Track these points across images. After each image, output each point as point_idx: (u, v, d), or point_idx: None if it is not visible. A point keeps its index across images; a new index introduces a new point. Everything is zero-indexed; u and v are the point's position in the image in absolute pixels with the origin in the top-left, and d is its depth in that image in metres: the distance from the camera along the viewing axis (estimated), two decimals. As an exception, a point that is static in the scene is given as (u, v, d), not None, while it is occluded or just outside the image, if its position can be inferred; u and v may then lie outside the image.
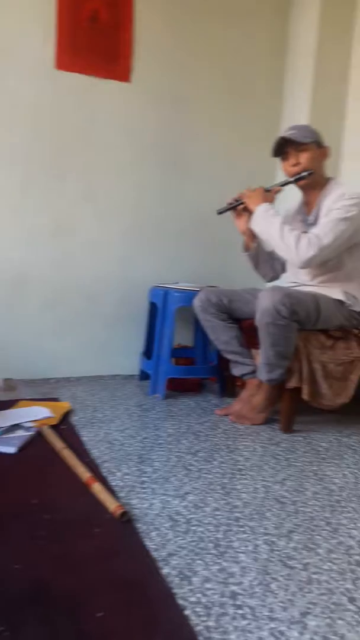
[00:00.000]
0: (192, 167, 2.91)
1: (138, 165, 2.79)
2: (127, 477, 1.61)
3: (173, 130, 2.84)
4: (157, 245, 2.89)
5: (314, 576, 1.16)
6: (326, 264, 2.15)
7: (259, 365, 2.17)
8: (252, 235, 2.36)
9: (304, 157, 2.16)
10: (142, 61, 2.72)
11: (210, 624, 0.98)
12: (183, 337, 2.93)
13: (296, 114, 2.95)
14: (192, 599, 1.05)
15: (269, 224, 2.12)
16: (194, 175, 2.92)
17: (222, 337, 2.34)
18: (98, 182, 2.72)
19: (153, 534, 1.30)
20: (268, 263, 2.45)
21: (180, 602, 1.04)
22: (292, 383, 2.09)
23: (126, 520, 1.34)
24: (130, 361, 2.86)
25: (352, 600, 1.09)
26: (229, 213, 2.34)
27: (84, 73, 2.60)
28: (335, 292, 2.17)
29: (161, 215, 2.87)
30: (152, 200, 2.84)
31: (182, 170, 2.89)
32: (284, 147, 2.19)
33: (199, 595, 1.07)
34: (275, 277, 2.50)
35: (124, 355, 2.86)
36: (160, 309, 2.54)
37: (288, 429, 2.16)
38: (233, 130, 2.97)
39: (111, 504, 1.37)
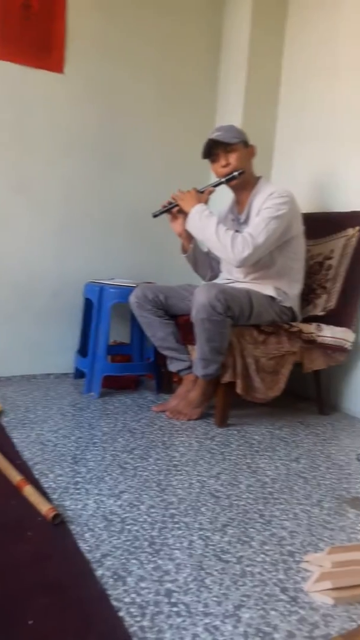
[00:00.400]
0: (127, 161, 2.88)
1: (71, 158, 2.73)
2: (60, 478, 1.58)
3: (107, 123, 2.80)
4: (91, 240, 2.84)
5: (248, 569, 1.18)
6: (258, 261, 2.18)
7: (195, 361, 2.18)
8: (189, 237, 2.36)
9: (233, 158, 2.19)
10: (76, 53, 2.66)
11: (145, 623, 0.97)
12: (119, 334, 2.90)
13: (230, 112, 2.98)
14: (127, 600, 1.04)
15: (204, 225, 2.13)
16: (129, 170, 2.89)
17: (159, 333, 2.33)
18: (29, 175, 2.64)
19: (87, 535, 1.28)
20: (206, 263, 2.47)
21: (115, 603, 1.03)
22: (227, 378, 2.12)
23: (59, 522, 1.31)
24: (64, 359, 2.80)
25: (284, 590, 1.11)
26: (164, 215, 2.33)
27: (15, 62, 2.52)
28: (267, 289, 2.22)
29: (95, 210, 2.83)
30: (86, 195, 2.79)
31: (117, 164, 2.85)
32: (212, 149, 2.21)
33: (133, 595, 1.06)
34: (214, 277, 2.52)
35: (58, 353, 2.79)
36: (95, 306, 2.50)
37: (223, 423, 2.18)
38: (168, 125, 2.97)
39: (43, 507, 1.34)
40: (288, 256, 2.25)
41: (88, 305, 2.64)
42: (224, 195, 2.41)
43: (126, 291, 2.42)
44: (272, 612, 1.03)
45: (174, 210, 2.30)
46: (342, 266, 2.43)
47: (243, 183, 2.24)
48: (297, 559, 1.23)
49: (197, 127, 2.96)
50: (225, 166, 2.20)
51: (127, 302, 2.37)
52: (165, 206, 2.29)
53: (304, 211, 2.34)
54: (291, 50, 2.94)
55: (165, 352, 2.37)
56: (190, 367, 2.30)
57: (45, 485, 1.52)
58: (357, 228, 2.42)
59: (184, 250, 2.44)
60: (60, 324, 2.79)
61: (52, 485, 1.53)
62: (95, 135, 2.77)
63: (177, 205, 2.26)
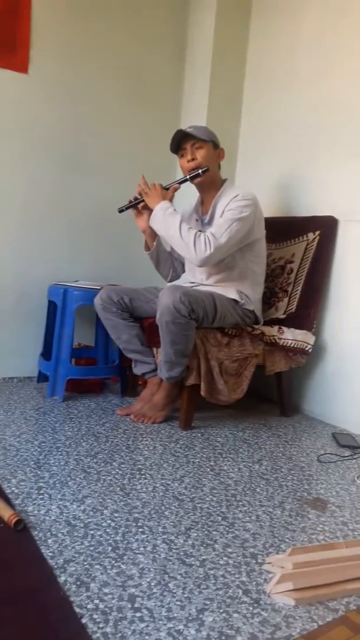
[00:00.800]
0: (90, 163, 2.87)
1: (34, 159, 2.70)
2: (22, 483, 1.56)
3: (71, 125, 2.78)
4: (55, 242, 2.82)
5: (211, 572, 1.19)
6: (220, 263, 2.21)
7: (160, 364, 2.19)
8: (153, 234, 2.37)
9: (200, 154, 2.20)
10: (41, 53, 2.64)
11: (108, 630, 0.97)
12: (84, 337, 2.88)
13: (194, 115, 3.00)
14: (90, 606, 1.04)
15: (168, 222, 2.14)
16: (93, 171, 2.88)
17: (123, 335, 2.33)
18: (-9, 176, 2.61)
19: (50, 540, 1.27)
20: (168, 262, 2.48)
21: (78, 610, 1.02)
22: (191, 380, 2.13)
23: (21, 528, 1.30)
24: (27, 362, 2.76)
25: (246, 592, 1.12)
26: (130, 212, 2.33)
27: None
28: (230, 292, 2.24)
29: (59, 212, 2.81)
30: (49, 197, 2.77)
31: (80, 166, 2.84)
32: (181, 143, 2.22)
33: (97, 601, 1.05)
34: (176, 277, 2.53)
35: (21, 357, 2.76)
36: (59, 308, 2.48)
37: (187, 426, 2.19)
38: (132, 128, 2.97)
39: (6, 513, 1.32)
40: (250, 259, 2.28)
41: (52, 307, 2.61)
42: (190, 195, 2.42)
43: (91, 293, 2.41)
44: (235, 615, 1.05)
45: (139, 206, 2.30)
46: (303, 270, 2.48)
47: (208, 183, 2.26)
48: (260, 561, 1.25)
49: (161, 130, 2.97)
50: (191, 160, 2.22)
51: (91, 305, 2.36)
52: (131, 201, 2.29)
53: (267, 216, 2.38)
54: (254, 58, 2.99)
55: (130, 355, 2.36)
56: (155, 370, 2.31)
57: (8, 491, 1.50)
58: (318, 233, 2.47)
59: (147, 248, 2.44)
60: (23, 327, 2.76)
61: (15, 490, 1.51)
62: (59, 136, 2.75)
63: (142, 200, 2.26)
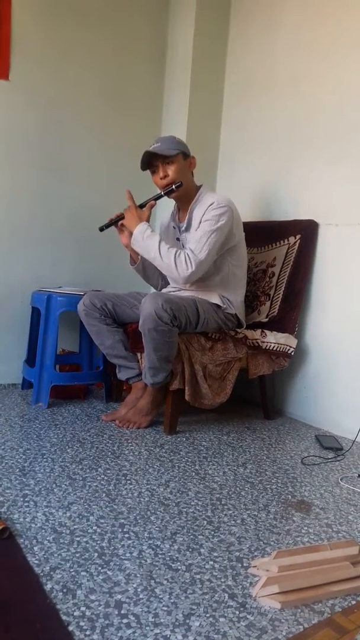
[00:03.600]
0: (72, 169, 2.87)
1: (14, 165, 2.70)
2: (7, 491, 1.55)
3: (52, 131, 2.78)
4: (38, 248, 2.81)
5: (197, 576, 1.20)
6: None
7: (144, 369, 2.19)
8: None
9: (171, 170, 2.20)
10: (21, 59, 2.64)
11: (95, 637, 0.98)
12: (68, 343, 2.88)
13: (175, 121, 3.02)
14: (77, 613, 1.04)
15: (148, 245, 2.15)
16: (74, 177, 2.88)
17: (107, 341, 2.33)
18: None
19: (36, 548, 1.26)
20: (156, 273, 2.48)
21: (64, 617, 1.02)
22: (175, 385, 2.14)
23: (7, 536, 1.29)
24: (11, 369, 2.75)
25: (233, 596, 1.13)
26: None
27: None
28: (212, 297, 2.26)
29: (41, 218, 2.80)
30: (31, 202, 2.76)
31: (62, 172, 2.84)
32: (152, 160, 2.23)
33: (83, 608, 1.06)
34: (166, 286, 2.54)
35: (4, 363, 2.75)
36: (43, 314, 2.47)
37: (172, 430, 2.20)
38: (113, 134, 2.98)
39: (-9, 522, 1.32)
40: (231, 263, 2.29)
41: (35, 314, 2.60)
42: (168, 202, 2.43)
43: (74, 299, 2.40)
44: (221, 619, 1.06)
45: (119, 224, 2.30)
46: (284, 274, 2.50)
47: (183, 194, 2.27)
48: (246, 564, 1.26)
49: (142, 136, 2.99)
50: (163, 177, 2.22)
51: (75, 311, 2.36)
52: (111, 219, 2.29)
53: (248, 220, 2.40)
54: (233, 64, 3.02)
55: (114, 360, 2.37)
56: (139, 375, 2.31)
57: (-8, 500, 1.49)
58: (298, 236, 2.50)
59: (133, 262, 2.45)
60: (6, 333, 2.75)
61: (0, 498, 1.50)
62: (40, 142, 2.75)
63: (122, 218, 2.26)
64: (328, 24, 2.46)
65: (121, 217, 2.25)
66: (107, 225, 2.29)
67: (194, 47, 2.91)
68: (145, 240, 2.15)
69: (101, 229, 2.29)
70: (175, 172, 2.21)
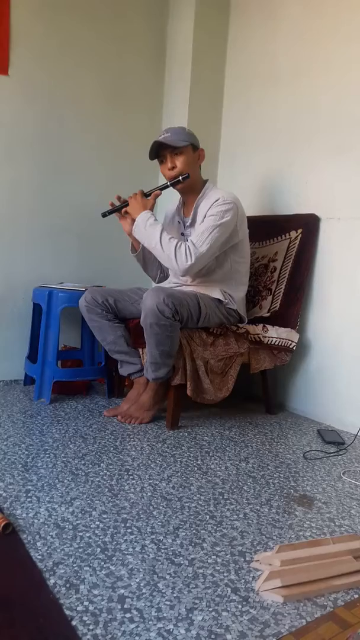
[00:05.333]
0: (72, 164, 2.86)
1: (15, 160, 2.69)
2: (10, 486, 1.56)
3: (52, 126, 2.77)
4: (39, 244, 2.81)
5: (200, 571, 1.20)
6: (204, 267, 2.21)
7: (145, 365, 2.19)
8: None
9: (179, 161, 2.20)
10: (21, 54, 2.63)
11: (98, 631, 0.98)
12: (70, 339, 2.88)
13: (176, 116, 3.01)
14: (80, 608, 1.04)
15: (149, 234, 2.14)
16: (75, 172, 2.87)
17: (109, 337, 2.33)
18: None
19: (39, 543, 1.27)
20: (155, 264, 2.48)
21: (67, 612, 1.03)
22: (177, 380, 2.14)
23: (10, 532, 1.30)
24: (13, 365, 2.76)
25: (235, 590, 1.14)
26: (114, 216, 2.33)
27: None
28: (214, 292, 2.25)
29: (42, 214, 2.80)
30: (32, 198, 2.76)
31: (62, 167, 2.83)
32: (160, 151, 2.22)
33: (86, 603, 1.06)
34: (164, 278, 2.54)
35: (7, 360, 2.75)
36: (44, 310, 2.47)
37: (174, 425, 2.20)
38: (114, 129, 2.97)
39: (-6, 518, 1.32)
40: (234, 259, 2.29)
41: (37, 310, 2.60)
42: (173, 195, 2.42)
43: (76, 295, 2.40)
44: (224, 613, 1.06)
45: (122, 210, 2.29)
46: (286, 268, 2.50)
47: (189, 186, 2.27)
48: (248, 558, 1.27)
49: (143, 131, 2.98)
50: (171, 169, 2.22)
51: (76, 306, 2.36)
52: (113, 204, 2.28)
53: (249, 214, 2.40)
54: (233, 58, 3.00)
55: (116, 356, 2.37)
56: (141, 370, 2.31)
57: (-5, 496, 1.50)
58: (300, 231, 2.49)
59: (134, 250, 2.44)
60: (8, 330, 2.75)
61: (3, 494, 1.51)
62: (40, 138, 2.74)
63: (126, 205, 2.26)
64: (329, 16, 2.44)
65: (125, 204, 2.25)
66: (111, 212, 2.28)
67: (194, 41, 2.89)
68: (148, 228, 2.15)
69: (104, 215, 2.29)
70: (183, 163, 2.20)
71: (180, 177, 2.20)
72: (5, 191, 2.68)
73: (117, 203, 2.30)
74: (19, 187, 2.72)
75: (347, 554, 1.26)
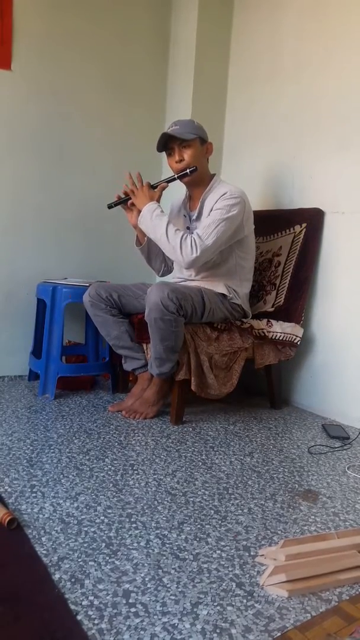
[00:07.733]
0: (76, 159, 2.86)
1: (18, 156, 2.68)
2: (15, 482, 1.56)
3: (56, 121, 2.76)
4: (43, 240, 2.81)
5: (204, 565, 1.20)
6: (209, 261, 2.21)
7: (150, 360, 2.19)
8: None
9: (187, 154, 2.19)
10: (24, 49, 2.62)
11: (103, 626, 0.98)
12: (74, 334, 2.88)
13: (179, 111, 2.99)
14: (85, 603, 1.05)
15: (155, 225, 2.13)
16: (79, 168, 2.87)
17: (113, 332, 2.33)
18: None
19: (44, 539, 1.27)
20: (160, 257, 2.47)
21: (73, 607, 1.03)
22: (181, 375, 2.14)
23: (15, 527, 1.30)
24: (18, 361, 2.76)
25: (240, 585, 1.14)
26: (119, 207, 2.32)
27: None
28: (218, 287, 2.25)
29: (46, 209, 2.80)
30: (35, 194, 2.76)
31: (66, 162, 2.83)
32: (168, 143, 2.21)
33: (91, 597, 1.06)
34: (168, 272, 2.53)
35: (11, 355, 2.75)
36: (48, 306, 2.47)
37: (178, 420, 2.20)
38: (117, 123, 2.96)
39: (-1, 513, 1.33)
40: (239, 255, 2.28)
41: (41, 305, 2.60)
42: (179, 188, 2.40)
43: (80, 291, 2.40)
44: (229, 608, 1.06)
45: (128, 202, 2.28)
46: (290, 263, 2.49)
47: (196, 180, 2.26)
48: (253, 553, 1.27)
49: (146, 126, 2.97)
50: (179, 161, 2.21)
51: (81, 302, 2.36)
52: (119, 197, 2.28)
53: (253, 209, 2.38)
54: (237, 51, 2.99)
55: (120, 351, 2.37)
56: (145, 366, 2.31)
57: (1, 490, 1.50)
58: (304, 225, 2.48)
59: (139, 242, 2.43)
60: (12, 326, 2.75)
61: (8, 489, 1.51)
62: (44, 133, 2.74)
63: (129, 198, 2.25)
64: (333, 9, 2.42)
65: (129, 197, 2.24)
66: (116, 203, 2.27)
67: (198, 34, 2.88)
68: (154, 219, 2.14)
69: (110, 207, 2.28)
70: (191, 156, 2.19)
71: (188, 170, 2.19)
72: (9, 186, 2.68)
73: (124, 196, 2.29)
74: (22, 182, 2.71)
75: (352, 548, 1.25)
